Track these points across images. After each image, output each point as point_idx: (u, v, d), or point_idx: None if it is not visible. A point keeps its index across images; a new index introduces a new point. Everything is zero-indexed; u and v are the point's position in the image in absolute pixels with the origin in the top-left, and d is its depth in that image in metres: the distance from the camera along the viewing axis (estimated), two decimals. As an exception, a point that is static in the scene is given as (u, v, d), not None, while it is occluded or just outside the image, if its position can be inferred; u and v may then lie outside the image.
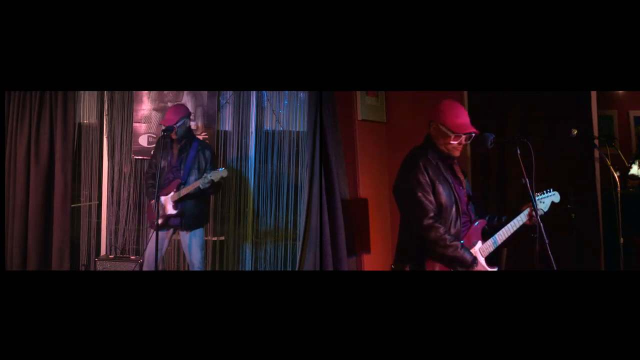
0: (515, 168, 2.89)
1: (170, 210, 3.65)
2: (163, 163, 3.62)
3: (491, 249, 2.75)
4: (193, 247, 3.71)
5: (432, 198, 2.63)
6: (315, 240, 3.65)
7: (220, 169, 3.58)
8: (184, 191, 3.61)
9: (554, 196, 2.92)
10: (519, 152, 2.69)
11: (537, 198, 2.81)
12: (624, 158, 4.18)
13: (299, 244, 4.02)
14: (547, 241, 2.62)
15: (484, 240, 2.75)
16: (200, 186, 3.56)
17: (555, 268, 2.59)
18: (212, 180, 3.55)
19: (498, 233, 2.76)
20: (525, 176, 2.66)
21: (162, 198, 3.64)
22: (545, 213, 2.86)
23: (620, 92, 5.08)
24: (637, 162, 4.38)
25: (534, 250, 2.67)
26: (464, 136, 2.69)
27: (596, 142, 3.64)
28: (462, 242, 2.64)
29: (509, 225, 2.77)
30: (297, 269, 4.00)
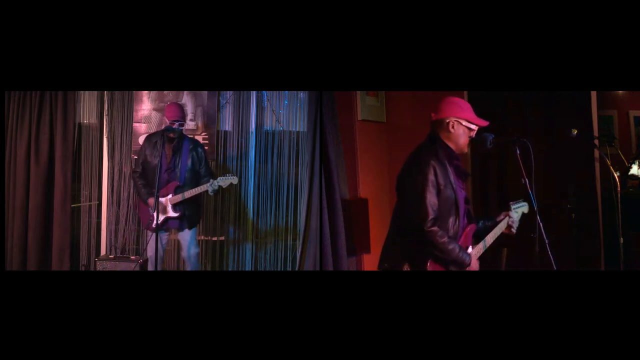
0: (515, 168, 2.89)
1: (171, 212, 3.65)
2: (156, 162, 3.54)
3: (482, 252, 2.74)
4: (192, 243, 3.78)
5: (436, 200, 2.55)
6: (315, 240, 3.65)
7: (229, 176, 3.64)
8: (188, 194, 3.62)
9: (524, 207, 2.93)
10: (518, 152, 2.69)
11: (513, 207, 2.85)
12: (624, 158, 4.19)
13: (299, 243, 4.02)
14: (547, 241, 2.62)
15: (474, 244, 2.73)
16: (209, 191, 3.61)
17: (555, 268, 2.59)
18: (221, 187, 3.60)
19: (487, 236, 2.76)
20: (525, 176, 2.66)
21: (162, 200, 3.63)
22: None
23: (620, 92, 5.08)
24: (637, 162, 4.37)
25: (534, 250, 2.68)
26: (476, 129, 2.68)
27: (596, 142, 3.64)
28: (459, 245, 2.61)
29: (495, 229, 2.79)
30: (297, 269, 4.00)
